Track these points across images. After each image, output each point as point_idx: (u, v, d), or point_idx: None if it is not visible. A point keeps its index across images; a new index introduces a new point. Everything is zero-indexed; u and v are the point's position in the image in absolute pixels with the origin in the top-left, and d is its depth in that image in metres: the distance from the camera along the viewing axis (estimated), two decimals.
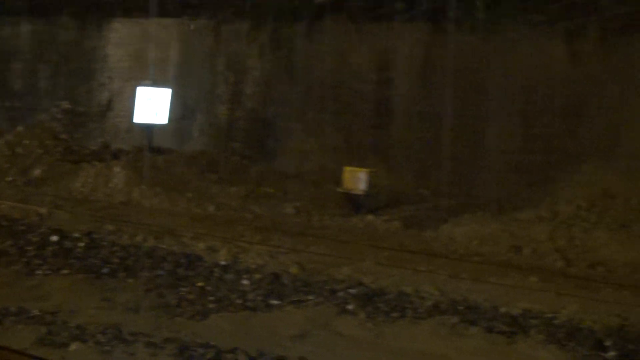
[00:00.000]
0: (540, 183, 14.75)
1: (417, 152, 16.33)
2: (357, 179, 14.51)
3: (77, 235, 11.56)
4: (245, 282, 9.85)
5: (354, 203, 14.60)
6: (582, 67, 14.89)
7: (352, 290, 9.64)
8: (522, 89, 15.40)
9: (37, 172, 16.78)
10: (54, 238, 11.34)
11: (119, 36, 20.46)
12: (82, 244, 11.20)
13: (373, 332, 8.36)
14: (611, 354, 8.06)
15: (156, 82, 17.51)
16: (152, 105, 16.65)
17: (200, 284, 9.65)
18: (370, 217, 14.10)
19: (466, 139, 15.80)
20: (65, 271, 10.00)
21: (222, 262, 10.63)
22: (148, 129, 16.97)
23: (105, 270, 10.12)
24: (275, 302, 9.17)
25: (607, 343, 8.28)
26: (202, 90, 19.25)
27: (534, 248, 12.31)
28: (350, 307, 9.06)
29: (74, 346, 7.42)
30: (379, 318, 8.73)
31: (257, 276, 10.05)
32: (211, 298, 9.16)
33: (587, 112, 14.73)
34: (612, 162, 14.28)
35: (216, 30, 19.11)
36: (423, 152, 16.24)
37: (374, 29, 17.11)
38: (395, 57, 16.96)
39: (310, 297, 9.35)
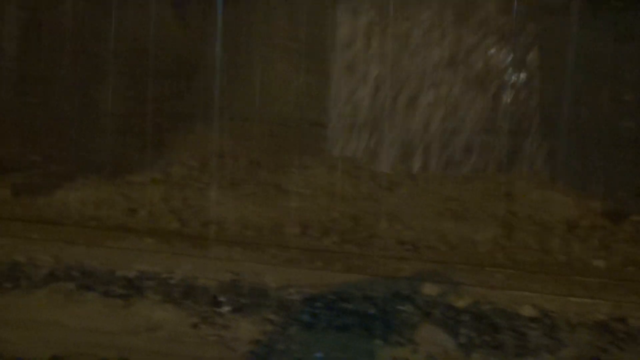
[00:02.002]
0: (154, 145, 14.83)
1: (25, 116, 15.79)
2: None
3: None
4: None
5: None
6: (191, 30, 15.13)
7: None
8: (133, 51, 15.36)
9: None
10: None
11: None
12: None
13: None
14: (226, 308, 8.34)
15: None
16: None
17: None
18: None
19: (79, 103, 15.51)
20: None
21: None
22: None
23: None
24: None
25: (222, 298, 8.55)
26: None
27: (150, 210, 12.40)
28: None
29: None
30: None
31: None
32: None
33: (197, 75, 15.01)
34: (221, 123, 14.68)
35: None
36: (32, 116, 15.73)
37: None
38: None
39: None
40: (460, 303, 8.87)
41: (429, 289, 9.17)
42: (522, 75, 12.47)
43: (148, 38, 15.41)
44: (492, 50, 13.13)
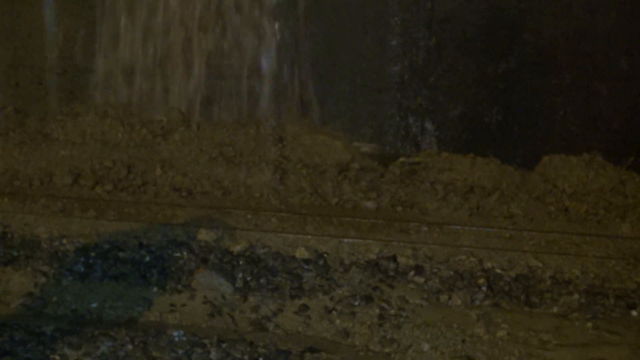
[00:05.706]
0: None
1: None
2: None
3: None
4: None
5: None
6: None
7: None
8: None
9: None
10: None
11: None
12: None
13: None
14: None
15: None
16: None
17: None
18: None
19: None
20: None
21: None
22: None
23: None
24: None
25: None
26: None
27: None
28: None
29: None
30: None
31: None
32: None
33: None
34: None
35: None
36: None
37: None
38: None
39: None
40: (236, 248, 9.00)
41: (205, 235, 9.24)
42: (288, 22, 12.58)
43: None
44: None
